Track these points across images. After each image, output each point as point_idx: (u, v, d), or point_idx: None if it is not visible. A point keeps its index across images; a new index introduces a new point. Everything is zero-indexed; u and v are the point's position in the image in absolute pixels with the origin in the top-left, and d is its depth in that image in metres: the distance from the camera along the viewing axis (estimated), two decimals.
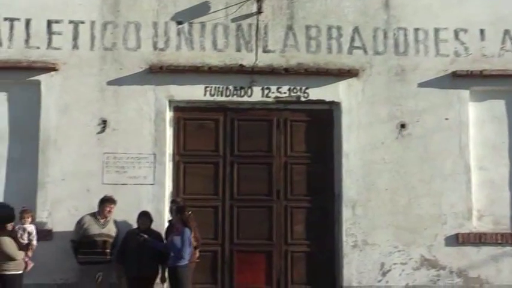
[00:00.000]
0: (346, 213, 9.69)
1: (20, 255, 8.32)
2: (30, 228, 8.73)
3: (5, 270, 8.24)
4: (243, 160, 9.88)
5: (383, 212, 9.71)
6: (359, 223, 9.69)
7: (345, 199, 9.72)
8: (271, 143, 9.98)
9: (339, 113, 9.92)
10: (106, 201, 8.99)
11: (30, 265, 8.53)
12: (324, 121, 10.02)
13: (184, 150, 9.90)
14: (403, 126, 9.89)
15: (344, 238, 9.65)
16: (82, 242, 8.88)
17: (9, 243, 8.22)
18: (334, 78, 9.89)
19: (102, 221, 8.99)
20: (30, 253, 8.59)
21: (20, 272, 8.36)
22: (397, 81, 10.01)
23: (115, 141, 9.60)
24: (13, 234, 8.37)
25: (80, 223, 8.98)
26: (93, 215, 9.04)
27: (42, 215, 9.36)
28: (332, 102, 9.97)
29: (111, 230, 9.01)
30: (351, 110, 9.90)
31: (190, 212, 8.69)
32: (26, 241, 8.61)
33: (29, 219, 8.76)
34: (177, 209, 8.77)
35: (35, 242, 8.66)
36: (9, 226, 8.30)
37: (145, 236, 8.80)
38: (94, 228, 8.90)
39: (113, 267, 8.95)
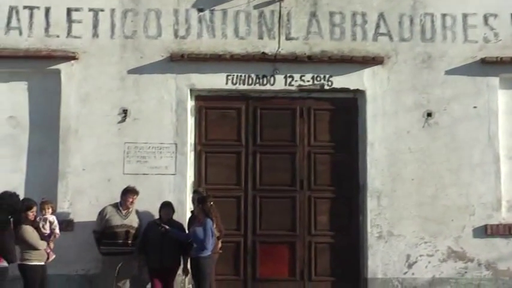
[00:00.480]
0: (371, 204, 9.58)
1: (42, 245, 8.32)
2: (52, 218, 8.68)
3: (27, 260, 8.25)
4: (266, 150, 9.81)
5: (409, 203, 9.58)
6: (384, 214, 9.57)
7: (370, 189, 9.62)
8: (295, 132, 9.88)
9: (363, 101, 9.79)
10: (128, 192, 8.95)
11: (52, 256, 8.52)
12: (348, 110, 9.90)
13: (206, 139, 9.85)
14: (429, 114, 9.73)
15: (369, 229, 9.56)
16: (104, 233, 8.86)
17: (31, 232, 8.22)
18: (359, 66, 9.75)
19: (124, 211, 8.95)
20: (52, 244, 8.55)
21: (42, 263, 8.36)
22: (423, 69, 9.83)
23: (136, 131, 9.55)
24: (35, 224, 8.35)
25: (101, 214, 8.95)
26: (115, 205, 9.00)
27: (63, 206, 9.34)
28: (356, 91, 9.84)
29: (133, 220, 8.96)
30: (375, 99, 9.76)
31: (212, 203, 8.63)
32: (48, 231, 8.55)
33: (50, 210, 8.69)
34: (199, 199, 8.72)
35: (57, 231, 8.59)
36: (31, 215, 8.27)
37: (167, 226, 8.74)
38: (116, 219, 8.87)
39: (135, 258, 8.91)
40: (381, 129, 9.69)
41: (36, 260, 8.29)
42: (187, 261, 8.86)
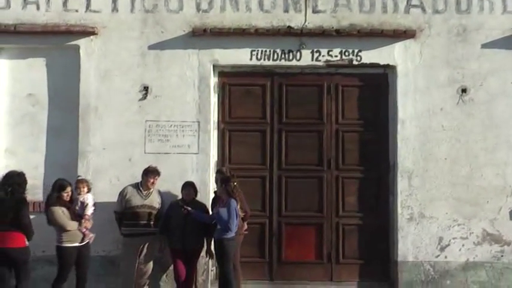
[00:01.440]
0: (401, 184, 9.37)
1: (71, 225, 8.24)
2: (83, 198, 8.56)
3: (59, 241, 8.25)
4: (292, 128, 9.64)
5: (441, 183, 9.34)
6: (415, 194, 9.35)
7: (401, 169, 9.39)
8: (322, 110, 9.67)
9: (394, 77, 9.51)
10: (150, 173, 8.82)
11: (89, 236, 8.39)
12: (378, 86, 9.64)
13: (229, 117, 9.70)
14: (464, 90, 9.42)
15: (399, 210, 9.34)
16: (125, 214, 8.78)
17: (60, 213, 8.18)
18: (390, 40, 9.46)
19: (144, 192, 8.83)
20: (88, 224, 8.40)
21: (76, 244, 8.28)
22: (458, 42, 9.50)
23: (157, 109, 9.41)
24: (68, 205, 8.32)
25: (122, 194, 8.86)
26: (136, 186, 8.89)
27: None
28: (387, 66, 9.56)
29: (154, 201, 8.84)
30: (407, 74, 9.48)
31: (235, 183, 8.49)
32: (87, 211, 8.46)
33: (85, 189, 8.61)
34: (222, 179, 8.58)
35: (88, 212, 8.47)
36: (65, 196, 8.25)
37: (189, 208, 8.61)
38: (137, 200, 8.76)
39: (157, 240, 8.82)
40: (412, 107, 9.43)
41: (68, 241, 8.23)
42: (210, 243, 8.78)
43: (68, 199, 8.32)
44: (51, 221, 8.19)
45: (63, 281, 8.26)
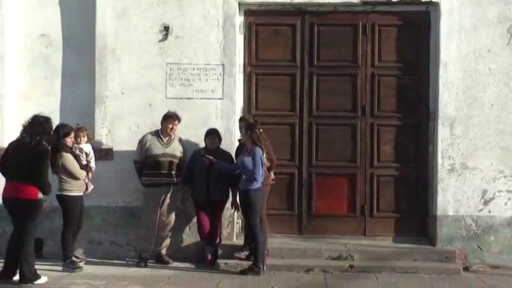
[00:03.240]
0: (442, 133, 8.99)
1: (82, 174, 8.19)
2: (87, 148, 8.42)
3: (67, 190, 8.12)
4: (324, 71, 9.28)
5: (487, 132, 8.95)
6: (458, 144, 8.96)
7: (442, 116, 8.99)
8: (357, 52, 9.27)
9: (437, 15, 9.03)
10: (169, 118, 8.56)
11: (90, 187, 8.37)
12: (418, 25, 9.24)
13: (256, 60, 9.37)
14: None
15: (439, 161, 8.98)
16: (145, 163, 8.58)
17: (72, 160, 8.10)
18: None
19: (165, 139, 8.59)
20: (90, 174, 8.37)
21: (81, 194, 8.26)
22: None
23: (179, 51, 9.08)
24: (73, 153, 8.19)
25: (141, 142, 8.64)
26: (156, 133, 8.64)
27: (101, 133, 9.04)
28: (429, 2, 9.09)
29: (175, 149, 8.61)
30: (451, 11, 8.97)
31: (261, 130, 8.23)
32: (84, 161, 8.33)
33: (85, 138, 8.42)
34: (246, 126, 8.33)
35: (93, 164, 8.41)
36: (69, 142, 8.09)
37: (211, 157, 8.35)
38: (157, 148, 8.54)
39: (179, 190, 8.66)
40: (456, 48, 8.97)
41: (76, 190, 8.15)
42: (236, 194, 8.60)
43: (71, 146, 8.16)
44: (63, 167, 8.01)
45: (73, 229, 8.18)
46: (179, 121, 8.55)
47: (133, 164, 8.61)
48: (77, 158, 8.16)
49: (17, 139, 7.50)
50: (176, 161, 8.55)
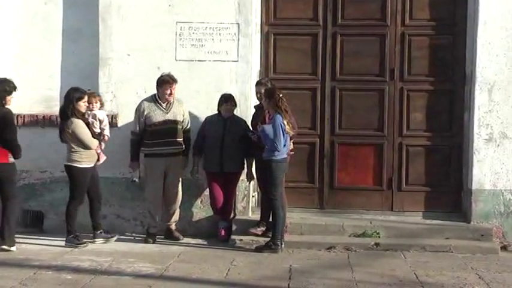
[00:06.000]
0: (479, 99, 8.49)
1: (94, 144, 7.85)
2: (101, 115, 8.10)
3: (76, 161, 7.79)
4: (349, 31, 8.89)
5: None
6: (497, 111, 8.47)
7: (479, 80, 8.48)
8: (385, 9, 8.82)
9: None
10: (164, 83, 8.13)
11: (103, 158, 8.02)
12: None
13: (275, 18, 8.98)
14: None
15: (476, 130, 8.52)
16: (146, 132, 8.19)
17: (84, 127, 7.76)
18: None
19: (164, 105, 8.19)
20: (103, 144, 8.06)
21: (92, 165, 7.91)
22: None
23: (190, 8, 8.64)
24: (85, 120, 7.84)
25: (138, 111, 8.23)
26: (153, 99, 8.24)
27: (105, 98, 8.65)
28: None
29: (177, 114, 8.22)
30: None
31: (281, 95, 7.84)
32: (97, 130, 8.01)
33: (98, 104, 8.10)
34: (265, 91, 7.95)
35: (107, 132, 8.11)
36: (83, 106, 7.75)
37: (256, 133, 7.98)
38: (157, 115, 8.14)
39: (189, 160, 8.34)
40: (497, 3, 8.39)
41: (86, 161, 7.81)
42: (251, 165, 8.36)
43: (84, 112, 7.84)
44: (73, 135, 7.67)
45: (80, 203, 7.92)
46: (176, 83, 8.18)
47: (131, 135, 8.25)
48: (88, 125, 7.83)
49: None
50: (179, 126, 8.17)
